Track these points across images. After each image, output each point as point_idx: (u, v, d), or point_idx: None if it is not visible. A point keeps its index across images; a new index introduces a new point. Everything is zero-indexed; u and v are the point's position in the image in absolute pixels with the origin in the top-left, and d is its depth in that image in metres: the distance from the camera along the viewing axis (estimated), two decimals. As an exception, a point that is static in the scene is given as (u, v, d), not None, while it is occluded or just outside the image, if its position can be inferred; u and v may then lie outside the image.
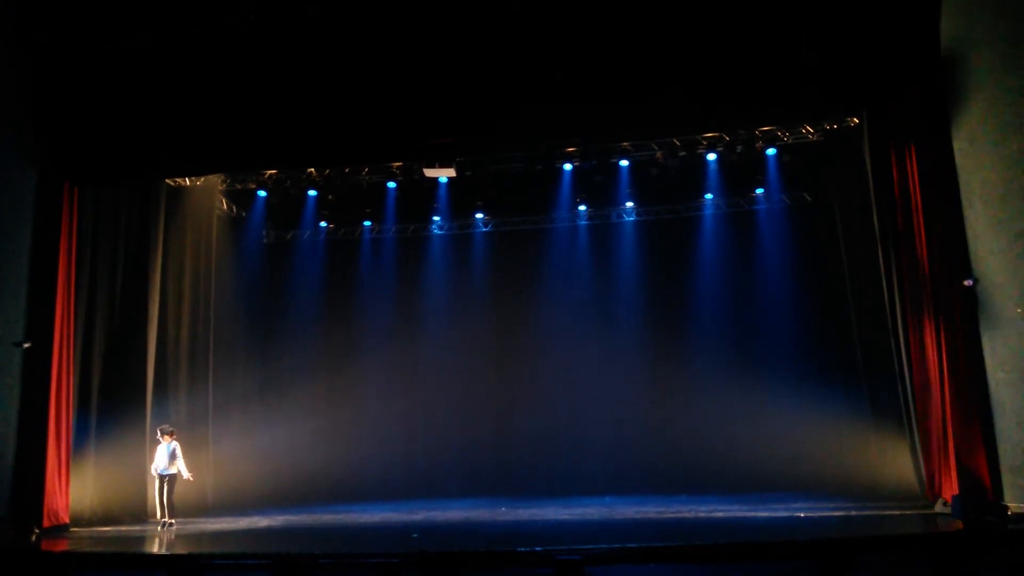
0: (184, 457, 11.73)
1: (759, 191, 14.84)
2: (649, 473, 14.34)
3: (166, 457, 11.54)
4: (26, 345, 11.25)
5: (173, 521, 11.47)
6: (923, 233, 10.04)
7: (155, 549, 9.98)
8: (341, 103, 11.37)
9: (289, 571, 6.05)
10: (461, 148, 12.50)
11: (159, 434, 11.72)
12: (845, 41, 10.16)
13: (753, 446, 13.92)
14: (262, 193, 15.55)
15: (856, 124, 12.32)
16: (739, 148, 13.62)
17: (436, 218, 16.42)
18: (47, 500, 11.12)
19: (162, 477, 11.52)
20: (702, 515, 10.94)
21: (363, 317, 16.60)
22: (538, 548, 8.03)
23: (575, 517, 11.32)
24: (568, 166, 14.81)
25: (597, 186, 15.05)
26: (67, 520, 11.44)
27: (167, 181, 13.70)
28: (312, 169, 14.69)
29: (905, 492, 11.15)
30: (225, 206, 15.73)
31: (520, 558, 7.91)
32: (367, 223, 16.56)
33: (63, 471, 11.53)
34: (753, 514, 10.79)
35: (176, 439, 11.71)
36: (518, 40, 10.93)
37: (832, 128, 13.19)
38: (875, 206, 11.27)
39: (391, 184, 15.39)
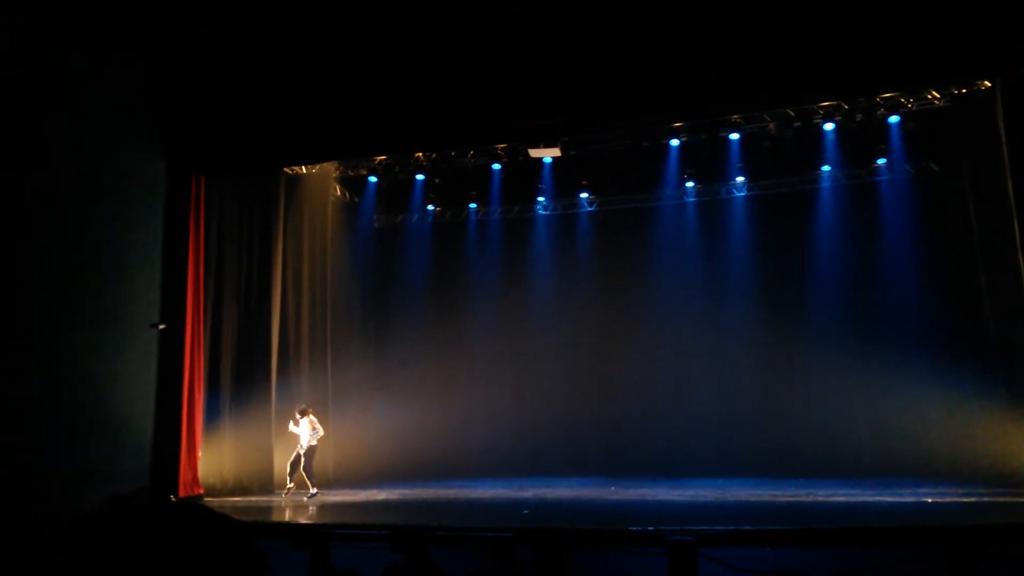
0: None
1: (881, 161, 13.98)
2: (763, 456, 13.95)
3: (308, 432, 12.24)
4: (161, 326, 12.01)
5: (316, 490, 12.24)
6: (1064, 202, 9.29)
7: (282, 518, 10.53)
8: (447, 88, 11.52)
9: (408, 542, 6.25)
10: (566, 127, 12.42)
11: (298, 413, 12.48)
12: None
13: (876, 429, 13.31)
14: (373, 179, 16.01)
15: (988, 88, 11.49)
16: (859, 116, 12.93)
17: (541, 199, 16.41)
18: (182, 472, 11.90)
19: (308, 449, 12.26)
20: (820, 499, 10.59)
21: (470, 297, 16.84)
22: (650, 528, 7.99)
23: (686, 498, 11.19)
24: (675, 142, 14.47)
25: (705, 161, 14.61)
26: (201, 490, 12.22)
27: (285, 169, 14.30)
28: (420, 154, 14.99)
29: (1046, 479, 10.43)
30: (339, 192, 16.29)
31: (632, 537, 7.89)
32: (473, 205, 16.74)
33: (196, 444, 12.31)
34: (876, 499, 10.35)
35: (311, 415, 12.51)
36: (621, 16, 10.74)
37: (961, 93, 12.33)
38: (1010, 176, 10.49)
39: (496, 166, 15.48)
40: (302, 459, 12.23)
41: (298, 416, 12.45)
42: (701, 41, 10.46)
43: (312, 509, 11.38)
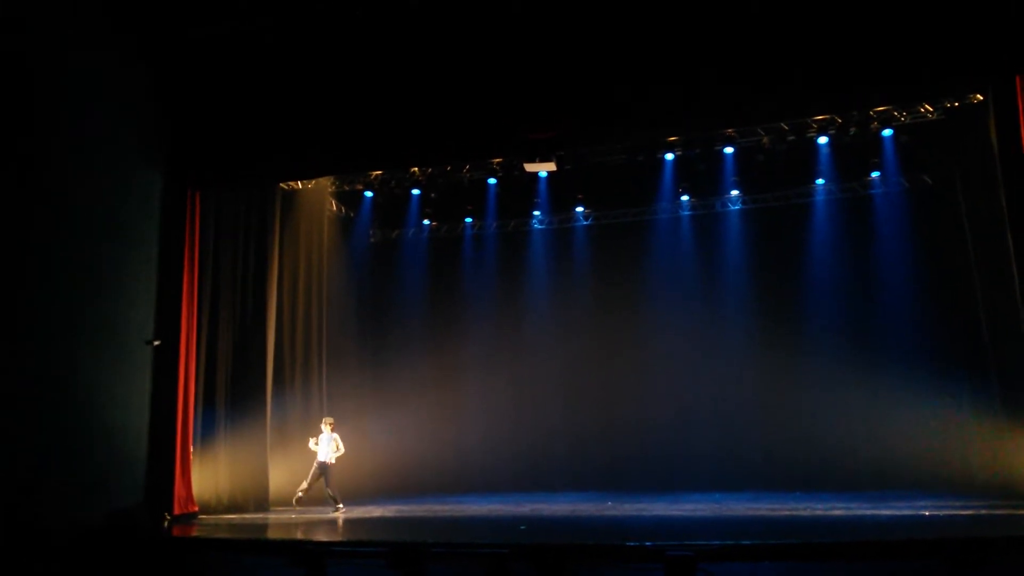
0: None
1: (875, 174, 14.10)
2: (761, 469, 13.95)
3: (329, 445, 12.30)
4: (156, 343, 11.94)
5: (341, 504, 12.42)
6: (1058, 215, 9.32)
7: (278, 536, 10.44)
8: (442, 102, 11.54)
9: (404, 559, 6.22)
10: (561, 142, 12.45)
11: (323, 424, 12.58)
12: (967, 9, 9.55)
13: (873, 442, 13.32)
14: (369, 194, 16.05)
15: (980, 100, 11.55)
16: (852, 130, 13.01)
17: (536, 213, 16.47)
18: (176, 488, 11.80)
19: (324, 465, 12.31)
20: (819, 512, 10.56)
21: (467, 312, 16.85)
22: (648, 543, 7.94)
23: (684, 513, 11.13)
24: (670, 155, 14.53)
25: (700, 175, 14.67)
26: (195, 507, 12.12)
27: (281, 185, 14.29)
28: (415, 168, 15.02)
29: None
30: (335, 207, 16.30)
31: (630, 552, 7.85)
32: (468, 220, 16.79)
33: (189, 461, 12.21)
34: (874, 512, 10.32)
35: (335, 429, 12.60)
36: (615, 29, 10.79)
37: (954, 105, 12.40)
38: (1003, 187, 10.49)
39: (491, 180, 15.53)
40: (324, 475, 12.28)
41: (323, 428, 12.51)
42: (701, 42, 10.48)
43: (307, 526, 11.29)
